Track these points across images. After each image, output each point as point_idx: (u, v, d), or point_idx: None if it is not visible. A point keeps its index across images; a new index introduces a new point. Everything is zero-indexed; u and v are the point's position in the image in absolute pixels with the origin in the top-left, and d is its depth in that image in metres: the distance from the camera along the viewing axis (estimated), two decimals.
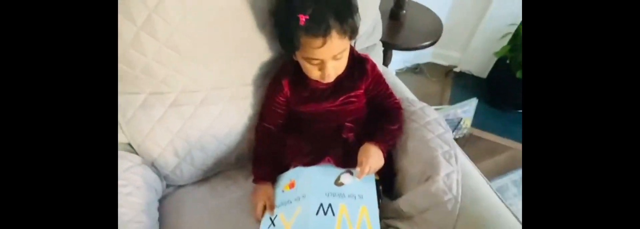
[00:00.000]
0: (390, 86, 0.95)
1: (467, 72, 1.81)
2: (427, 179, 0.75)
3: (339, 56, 0.68)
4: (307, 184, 0.73)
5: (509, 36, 1.47)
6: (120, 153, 0.73)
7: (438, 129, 0.83)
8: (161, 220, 0.77)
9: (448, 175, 0.75)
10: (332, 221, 0.66)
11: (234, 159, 0.86)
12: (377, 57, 0.92)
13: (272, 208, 0.73)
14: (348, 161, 0.75)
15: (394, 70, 1.76)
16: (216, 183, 0.85)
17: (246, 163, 0.88)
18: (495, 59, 1.63)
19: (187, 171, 0.82)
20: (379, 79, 0.82)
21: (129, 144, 0.77)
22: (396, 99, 0.85)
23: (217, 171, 0.87)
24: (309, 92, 0.77)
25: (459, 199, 0.72)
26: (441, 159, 0.77)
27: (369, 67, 0.78)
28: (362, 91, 0.80)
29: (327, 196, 0.70)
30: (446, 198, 0.72)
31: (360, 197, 0.71)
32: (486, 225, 0.68)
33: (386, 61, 1.31)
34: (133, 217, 0.67)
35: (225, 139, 0.82)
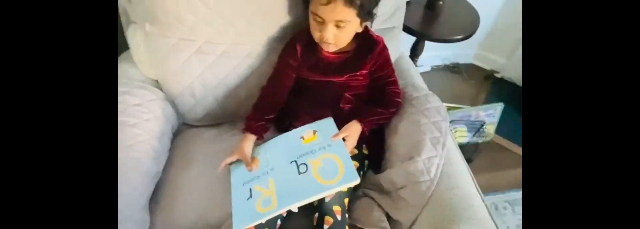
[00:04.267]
0: (402, 71, 0.98)
1: (508, 79, 1.73)
2: (409, 159, 0.78)
3: (341, 24, 0.72)
4: (271, 159, 0.78)
5: None
6: (147, 87, 0.85)
7: (435, 117, 0.84)
8: (172, 151, 0.89)
9: (429, 158, 0.77)
10: (310, 173, 0.72)
11: (242, 112, 0.95)
12: (393, 41, 0.94)
13: (249, 164, 0.77)
14: (338, 128, 0.80)
15: (430, 65, 1.74)
16: (223, 130, 0.95)
17: None
18: None
19: (201, 113, 0.92)
20: (385, 63, 0.84)
21: (157, 81, 0.90)
22: (397, 87, 0.87)
23: (226, 120, 0.97)
24: (317, 60, 0.83)
25: (435, 183, 0.75)
26: (428, 143, 0.79)
27: (377, 49, 0.81)
28: (366, 71, 0.84)
29: (298, 158, 0.76)
30: (422, 178, 0.75)
31: (329, 146, 0.76)
32: (453, 210, 0.71)
33: (417, 51, 1.31)
34: (146, 139, 0.79)
35: (236, 90, 0.91)
